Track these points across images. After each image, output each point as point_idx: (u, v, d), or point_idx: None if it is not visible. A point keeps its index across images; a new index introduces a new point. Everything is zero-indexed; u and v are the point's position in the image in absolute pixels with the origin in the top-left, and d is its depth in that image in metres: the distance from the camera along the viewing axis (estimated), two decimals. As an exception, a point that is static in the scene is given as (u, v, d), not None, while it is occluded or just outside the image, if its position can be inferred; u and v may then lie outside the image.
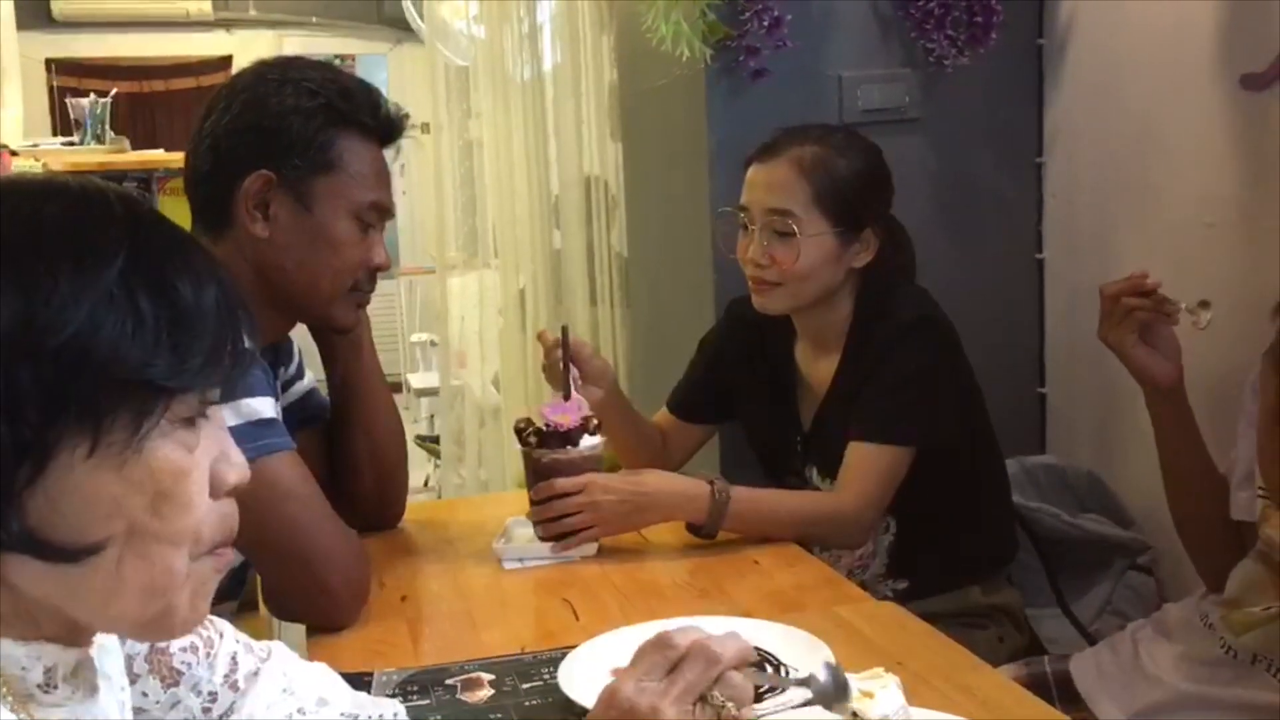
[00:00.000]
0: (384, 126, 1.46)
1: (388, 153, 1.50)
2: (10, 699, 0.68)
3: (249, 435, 1.23)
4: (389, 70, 7.81)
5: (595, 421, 1.62)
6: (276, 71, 1.44)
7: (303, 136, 1.40)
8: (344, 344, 1.59)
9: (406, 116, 1.50)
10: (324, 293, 1.44)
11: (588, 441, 1.60)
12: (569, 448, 1.58)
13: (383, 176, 1.47)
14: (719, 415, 2.01)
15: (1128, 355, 1.56)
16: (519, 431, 1.63)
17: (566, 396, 1.64)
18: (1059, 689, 1.57)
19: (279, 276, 1.42)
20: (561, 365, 1.69)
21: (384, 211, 1.47)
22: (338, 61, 7.74)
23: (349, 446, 1.63)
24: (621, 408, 1.90)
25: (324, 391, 1.68)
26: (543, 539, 1.59)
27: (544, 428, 1.59)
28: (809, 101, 2.18)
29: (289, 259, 1.42)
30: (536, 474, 1.60)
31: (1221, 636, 1.42)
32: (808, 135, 1.78)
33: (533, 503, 1.60)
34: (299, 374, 1.64)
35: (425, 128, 3.71)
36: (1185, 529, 1.61)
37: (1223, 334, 1.91)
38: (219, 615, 0.94)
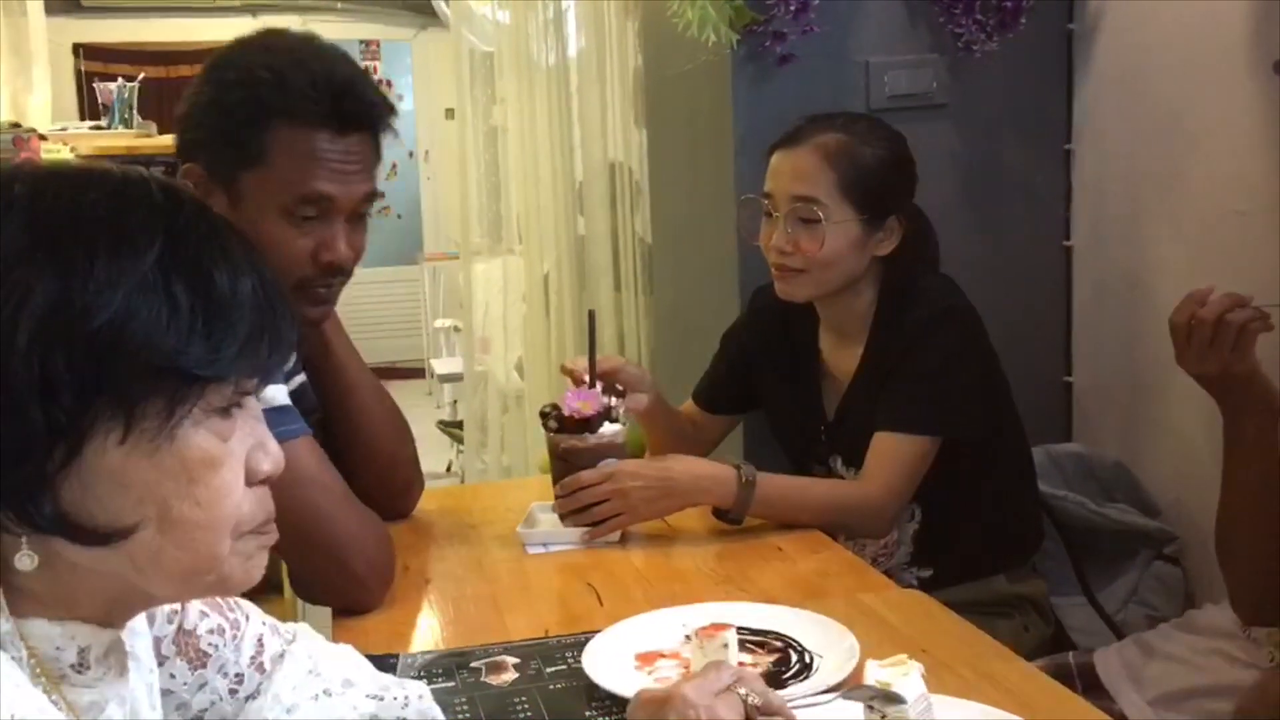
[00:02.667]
0: (333, 112, 1.35)
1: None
2: (44, 679, 0.69)
3: (266, 422, 1.23)
4: (413, 56, 7.83)
5: (617, 407, 1.63)
6: (216, 58, 1.39)
7: (223, 132, 1.35)
8: (310, 345, 1.53)
9: (379, 103, 1.40)
10: None
11: (609, 428, 1.60)
12: (587, 435, 1.59)
13: (328, 164, 1.36)
14: (743, 406, 2.01)
15: (1257, 378, 1.34)
16: (544, 416, 1.63)
17: (592, 384, 1.64)
18: (1083, 679, 1.56)
19: None
20: (588, 351, 1.69)
21: (328, 201, 1.37)
22: (361, 47, 7.77)
23: (344, 443, 1.59)
24: (665, 412, 1.91)
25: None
26: (567, 524, 1.60)
27: (565, 414, 1.59)
28: (836, 87, 2.17)
29: None
30: (558, 459, 1.61)
31: (1270, 651, 1.40)
32: (832, 123, 1.77)
33: (556, 493, 1.61)
34: (296, 368, 1.60)
35: (449, 114, 3.71)
36: (1236, 561, 1.45)
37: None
38: (241, 596, 0.95)
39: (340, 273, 1.43)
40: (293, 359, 1.59)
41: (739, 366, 1.98)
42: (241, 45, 1.40)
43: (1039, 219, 2.36)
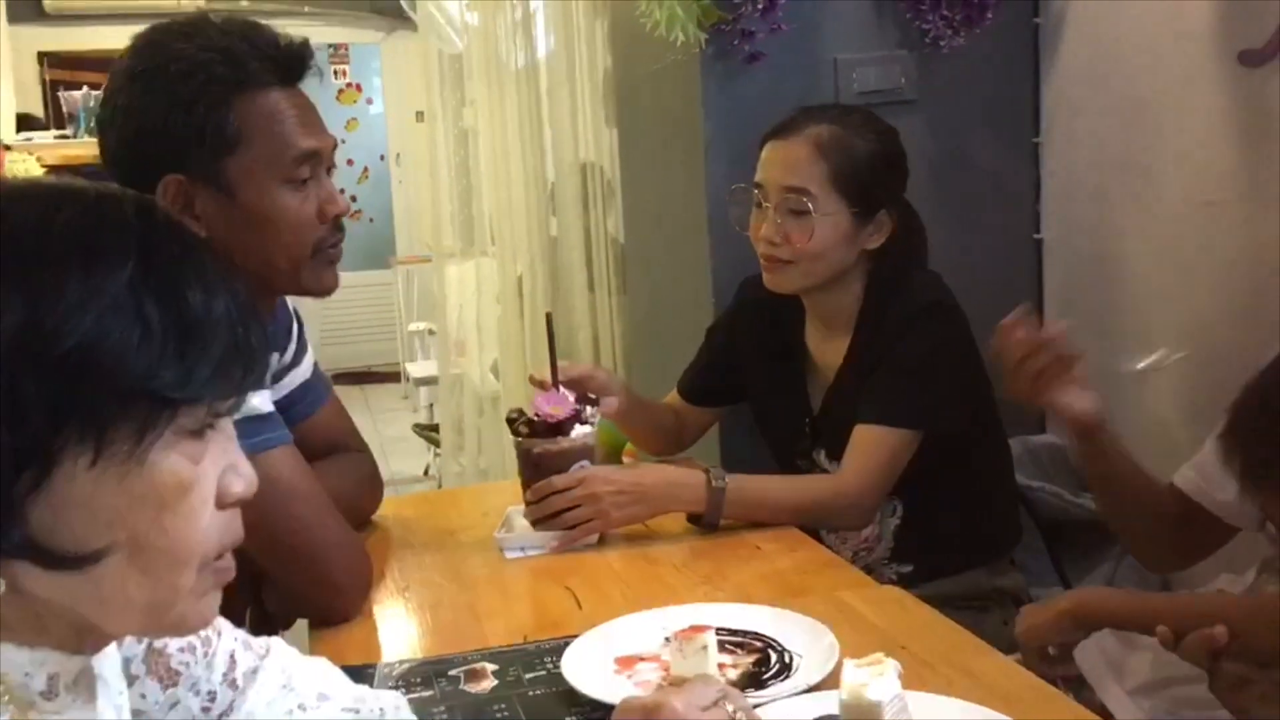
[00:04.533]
0: (286, 69, 1.34)
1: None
2: (11, 706, 0.68)
3: (245, 431, 1.21)
4: (382, 59, 7.79)
5: (588, 409, 1.62)
6: (144, 60, 1.31)
7: (193, 127, 1.29)
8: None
9: (305, 44, 1.37)
10: (283, 268, 1.37)
11: (579, 431, 1.60)
12: (559, 438, 1.58)
13: (300, 120, 1.35)
14: (728, 398, 2.00)
15: (1054, 407, 1.46)
16: (511, 422, 1.62)
17: (556, 386, 1.64)
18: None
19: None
20: (548, 354, 1.69)
21: (315, 156, 1.36)
22: (329, 51, 7.72)
23: None
24: (638, 407, 1.91)
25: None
26: (539, 529, 1.59)
27: (534, 418, 1.59)
28: (805, 84, 2.17)
29: (235, 249, 1.31)
30: (529, 464, 1.60)
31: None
32: (825, 114, 1.78)
33: (528, 500, 1.60)
34: (295, 361, 1.57)
35: (419, 116, 3.69)
36: (1125, 533, 1.63)
37: (1226, 311, 1.91)
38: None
39: (342, 226, 1.41)
40: (290, 353, 1.55)
41: (725, 358, 1.97)
42: (153, 44, 1.33)
43: (1009, 212, 2.37)
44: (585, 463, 1.60)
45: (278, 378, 1.52)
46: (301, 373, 1.58)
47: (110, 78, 1.34)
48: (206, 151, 1.30)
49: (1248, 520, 1.44)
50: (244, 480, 0.73)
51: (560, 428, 1.58)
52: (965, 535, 1.82)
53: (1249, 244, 1.89)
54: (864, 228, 1.75)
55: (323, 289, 1.42)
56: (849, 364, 1.79)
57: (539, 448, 1.59)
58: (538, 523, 1.59)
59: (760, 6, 2.09)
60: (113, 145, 1.33)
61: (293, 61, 1.36)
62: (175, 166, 1.31)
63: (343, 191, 1.44)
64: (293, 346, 1.56)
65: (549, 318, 1.74)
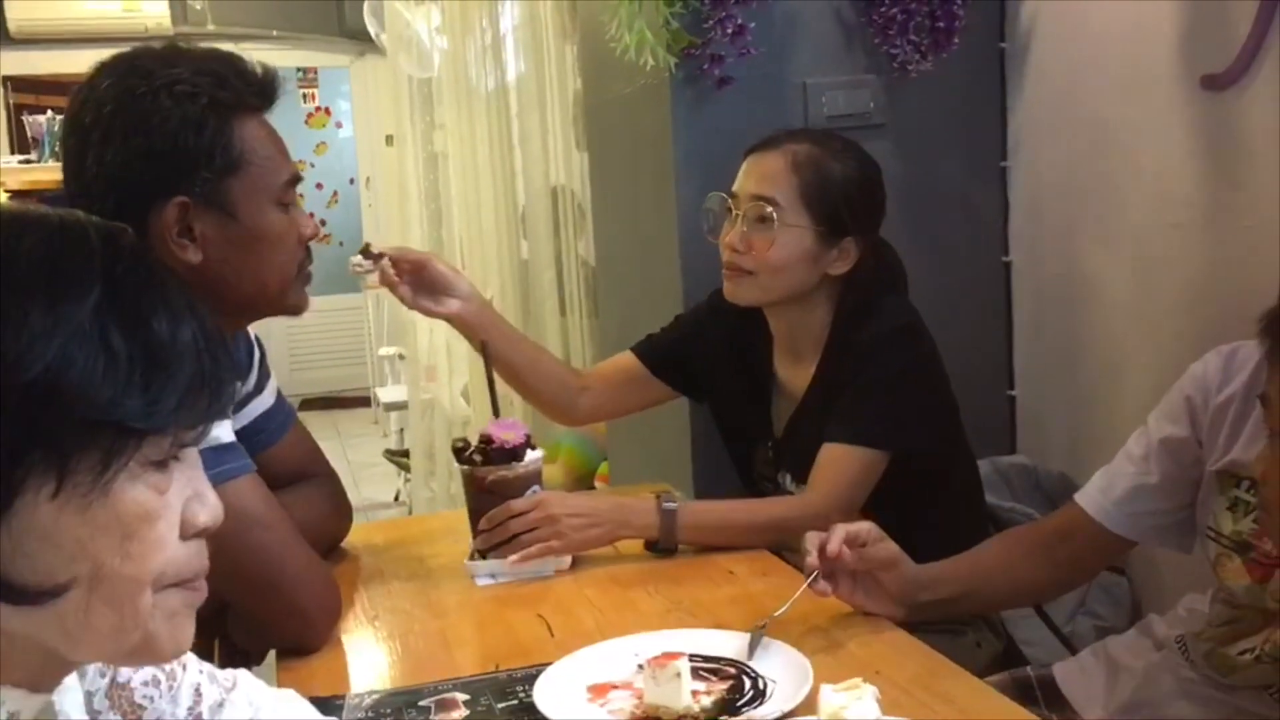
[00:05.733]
0: (265, 96, 1.38)
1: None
2: None
3: (207, 462, 1.19)
4: (352, 83, 7.77)
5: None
6: (141, 80, 1.30)
7: (202, 147, 1.30)
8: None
9: (276, 73, 1.40)
10: (274, 289, 1.39)
11: (530, 456, 1.59)
12: (514, 464, 1.57)
13: (282, 146, 1.39)
14: (680, 383, 1.96)
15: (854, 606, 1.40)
16: (458, 451, 1.61)
17: (496, 414, 1.64)
18: (1044, 692, 1.57)
19: (223, 289, 1.34)
20: (487, 383, 1.68)
21: (296, 180, 1.40)
22: (298, 75, 7.71)
23: None
24: (497, 322, 1.86)
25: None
26: (492, 558, 1.57)
27: (486, 445, 1.57)
28: (774, 108, 2.18)
29: (230, 271, 1.33)
30: (481, 491, 1.59)
31: (1206, 674, 1.42)
32: (807, 135, 1.81)
33: (481, 527, 1.58)
34: (257, 389, 1.56)
35: (389, 140, 3.69)
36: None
37: (1190, 334, 1.93)
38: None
39: (309, 247, 1.44)
40: (251, 382, 1.54)
41: (692, 345, 1.93)
42: (140, 68, 1.32)
43: (978, 235, 2.39)
44: (537, 487, 1.60)
45: (240, 406, 1.51)
46: (264, 401, 1.57)
47: (91, 101, 1.31)
48: (214, 172, 1.31)
49: (1150, 535, 1.47)
50: (210, 510, 0.72)
51: (514, 454, 1.58)
52: (936, 557, 1.81)
53: (1214, 265, 1.91)
54: (828, 250, 1.75)
55: (302, 307, 1.45)
56: (815, 387, 1.79)
57: (494, 474, 1.57)
58: (491, 550, 1.57)
59: (730, 31, 2.10)
60: (109, 166, 1.30)
61: (269, 89, 1.38)
62: (180, 188, 1.30)
63: (312, 215, 1.44)
64: (254, 375, 1.56)
65: (485, 346, 1.72)
